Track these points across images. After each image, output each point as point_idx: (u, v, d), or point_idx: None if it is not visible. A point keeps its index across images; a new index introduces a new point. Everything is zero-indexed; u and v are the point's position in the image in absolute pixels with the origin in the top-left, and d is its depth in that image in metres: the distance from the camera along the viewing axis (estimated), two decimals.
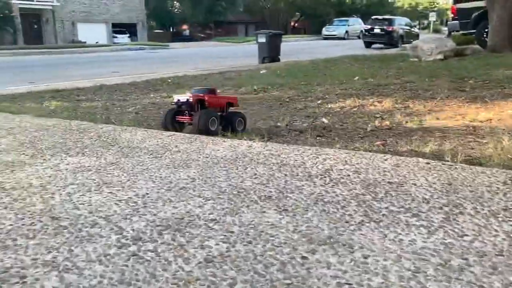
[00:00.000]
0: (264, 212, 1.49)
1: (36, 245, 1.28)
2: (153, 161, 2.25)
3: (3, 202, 1.66)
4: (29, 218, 1.49)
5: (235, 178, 1.88)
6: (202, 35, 38.46)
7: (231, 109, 3.47)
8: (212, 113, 3.16)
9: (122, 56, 17.82)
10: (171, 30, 42.30)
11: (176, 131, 3.23)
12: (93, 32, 31.71)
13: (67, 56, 18.89)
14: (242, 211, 1.50)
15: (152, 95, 5.89)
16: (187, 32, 40.88)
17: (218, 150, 2.43)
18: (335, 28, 31.38)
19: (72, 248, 1.25)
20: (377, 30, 19.85)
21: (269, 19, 39.50)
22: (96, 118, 3.90)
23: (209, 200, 1.63)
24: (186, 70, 9.40)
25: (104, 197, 1.70)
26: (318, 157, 2.20)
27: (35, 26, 30.03)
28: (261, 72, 8.52)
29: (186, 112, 3.28)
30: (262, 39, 12.04)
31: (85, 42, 28.31)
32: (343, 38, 29.49)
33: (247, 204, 1.57)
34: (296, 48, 19.41)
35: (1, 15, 25.35)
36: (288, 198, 1.62)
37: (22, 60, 16.05)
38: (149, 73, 9.21)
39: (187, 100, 3.21)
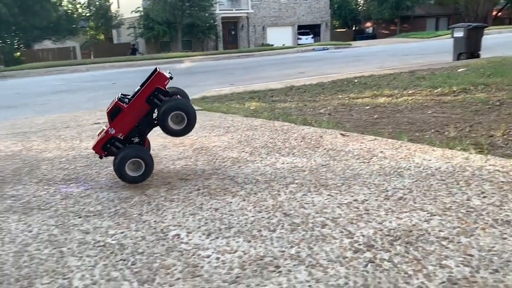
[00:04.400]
0: (506, 239, 1.35)
1: (278, 238, 1.45)
2: (361, 166, 2.28)
3: (241, 195, 1.93)
4: (266, 212, 1.71)
5: (459, 195, 1.76)
6: (386, 32, 37.02)
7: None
8: (133, 151, 2.08)
9: (307, 57, 18.62)
10: (353, 28, 42.08)
11: None
12: (280, 35, 34.13)
13: (258, 58, 20.81)
14: (478, 233, 1.39)
15: (340, 96, 5.97)
16: (370, 30, 40.03)
17: (430, 160, 2.31)
18: None
19: (311, 245, 1.38)
20: None
21: (465, 9, 35.33)
22: (294, 119, 4.17)
23: (435, 215, 1.56)
24: (371, 70, 9.22)
25: (325, 199, 1.81)
26: None
27: (232, 32, 33.99)
28: (458, 70, 7.71)
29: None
30: (459, 33, 10.92)
31: (273, 45, 30.63)
32: None
33: (482, 227, 1.44)
34: (500, 42, 16.88)
35: (207, 25, 29.57)
36: None
37: (222, 64, 18.38)
38: (334, 73, 9.37)
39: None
